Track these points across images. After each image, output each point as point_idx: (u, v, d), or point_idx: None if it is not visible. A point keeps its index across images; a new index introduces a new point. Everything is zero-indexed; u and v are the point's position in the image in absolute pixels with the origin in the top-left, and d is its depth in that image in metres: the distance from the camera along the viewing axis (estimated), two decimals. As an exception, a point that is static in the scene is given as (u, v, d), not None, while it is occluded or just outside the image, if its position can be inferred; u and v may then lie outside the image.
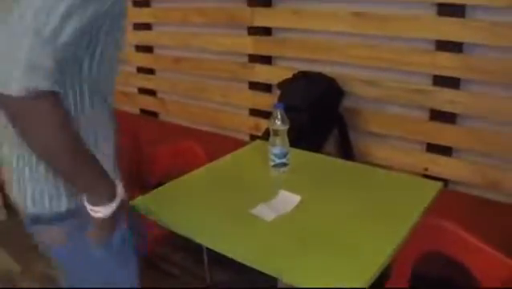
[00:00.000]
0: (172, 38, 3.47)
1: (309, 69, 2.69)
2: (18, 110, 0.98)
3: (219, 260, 2.13)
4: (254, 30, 2.96)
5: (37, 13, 0.95)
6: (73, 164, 1.09)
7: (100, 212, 1.17)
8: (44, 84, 0.97)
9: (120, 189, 1.20)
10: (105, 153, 1.25)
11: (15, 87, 0.94)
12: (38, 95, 0.96)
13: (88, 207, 1.17)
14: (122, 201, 1.21)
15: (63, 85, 1.09)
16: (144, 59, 3.72)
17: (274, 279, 1.43)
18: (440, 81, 2.33)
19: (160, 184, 1.84)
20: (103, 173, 1.16)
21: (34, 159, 1.18)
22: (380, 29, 2.45)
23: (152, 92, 3.80)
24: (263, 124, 2.97)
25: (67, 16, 0.98)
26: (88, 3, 1.02)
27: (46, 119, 1.00)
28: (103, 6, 1.06)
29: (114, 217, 1.21)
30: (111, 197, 1.17)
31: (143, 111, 3.93)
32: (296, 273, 1.28)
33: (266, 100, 3.00)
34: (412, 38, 2.38)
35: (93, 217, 1.19)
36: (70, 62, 1.08)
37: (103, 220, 1.19)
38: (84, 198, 1.18)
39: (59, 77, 1.02)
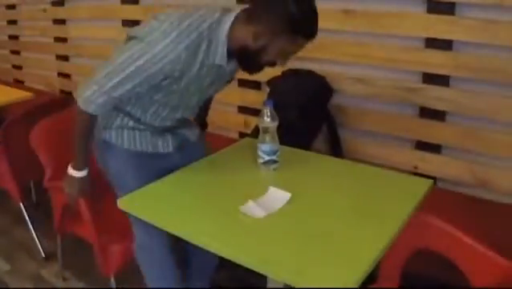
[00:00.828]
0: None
1: (298, 66, 2.68)
2: (77, 109, 1.73)
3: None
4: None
5: (106, 74, 1.63)
6: (75, 142, 1.83)
7: (71, 173, 1.90)
8: (88, 108, 1.69)
9: (85, 172, 1.91)
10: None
11: (79, 101, 1.70)
12: (84, 110, 1.71)
13: (69, 168, 1.91)
14: (85, 178, 1.92)
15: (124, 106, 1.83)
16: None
17: (264, 277, 1.42)
18: (430, 79, 2.34)
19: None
20: (83, 157, 1.88)
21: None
22: (370, 26, 2.45)
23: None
24: (252, 121, 2.96)
25: (121, 82, 1.62)
26: (138, 79, 1.61)
27: (80, 119, 1.76)
28: (149, 82, 1.64)
29: (77, 183, 1.92)
30: (82, 169, 1.90)
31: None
32: (286, 270, 1.26)
33: (255, 97, 2.99)
34: (402, 36, 2.38)
35: (66, 175, 1.92)
36: (130, 98, 1.78)
37: (72, 178, 1.91)
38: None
39: (108, 106, 1.72)
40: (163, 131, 1.92)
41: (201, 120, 2.21)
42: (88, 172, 1.93)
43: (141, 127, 1.88)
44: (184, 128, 2.00)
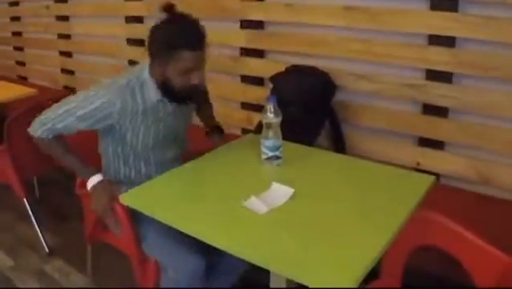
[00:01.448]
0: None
1: (301, 63, 2.68)
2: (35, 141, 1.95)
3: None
4: (247, 24, 2.95)
5: (55, 106, 1.89)
6: (65, 163, 1.97)
7: (88, 185, 1.88)
8: (36, 133, 1.90)
9: (99, 175, 1.89)
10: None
11: (31, 129, 1.92)
12: (33, 136, 1.93)
13: (87, 186, 1.89)
14: (104, 181, 1.89)
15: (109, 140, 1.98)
16: (135, 53, 3.69)
17: (267, 272, 1.43)
18: (433, 75, 2.34)
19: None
20: (82, 164, 1.93)
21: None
22: (373, 23, 2.44)
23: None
24: (255, 117, 2.96)
25: (64, 114, 1.85)
26: (77, 114, 1.83)
27: (47, 146, 1.95)
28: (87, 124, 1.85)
29: (100, 189, 1.86)
30: (92, 175, 1.88)
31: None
32: (288, 266, 1.27)
33: (258, 94, 2.99)
34: (405, 33, 2.37)
35: (88, 188, 1.89)
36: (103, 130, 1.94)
37: (93, 189, 1.87)
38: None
39: (53, 133, 1.89)
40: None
41: (213, 127, 2.27)
42: (104, 178, 1.90)
43: None
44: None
